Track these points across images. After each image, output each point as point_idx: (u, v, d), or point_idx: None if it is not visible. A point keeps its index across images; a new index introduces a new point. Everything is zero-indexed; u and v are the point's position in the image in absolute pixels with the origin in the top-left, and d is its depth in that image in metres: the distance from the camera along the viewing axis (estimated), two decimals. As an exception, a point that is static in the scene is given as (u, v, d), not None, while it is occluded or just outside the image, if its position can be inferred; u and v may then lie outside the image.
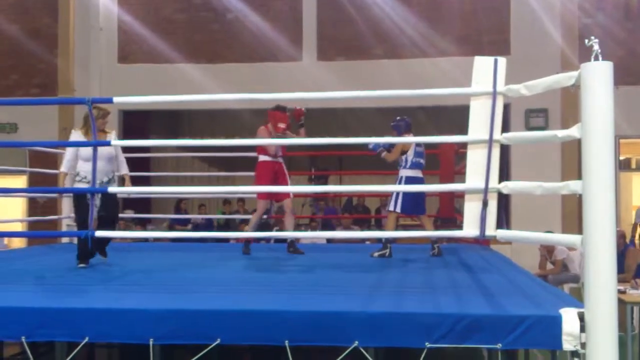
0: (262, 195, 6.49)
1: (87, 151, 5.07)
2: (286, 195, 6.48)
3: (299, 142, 6.48)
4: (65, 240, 8.17)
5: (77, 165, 5.21)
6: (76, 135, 5.27)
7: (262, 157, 6.49)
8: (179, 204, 13.13)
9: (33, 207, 12.37)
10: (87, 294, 3.87)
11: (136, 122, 12.89)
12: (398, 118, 6.54)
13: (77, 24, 12.82)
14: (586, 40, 3.10)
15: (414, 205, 6.42)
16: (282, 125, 6.27)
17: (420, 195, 6.47)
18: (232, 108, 12.29)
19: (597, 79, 3.02)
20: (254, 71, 12.15)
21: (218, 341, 3.19)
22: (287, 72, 11.92)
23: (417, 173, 6.39)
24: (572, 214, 10.99)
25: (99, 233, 4.22)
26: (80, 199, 5.14)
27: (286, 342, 3.14)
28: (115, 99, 4.18)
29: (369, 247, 8.07)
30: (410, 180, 6.31)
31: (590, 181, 3.00)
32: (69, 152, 5.25)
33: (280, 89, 4.42)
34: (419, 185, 6.29)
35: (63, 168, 5.23)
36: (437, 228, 9.22)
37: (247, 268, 5.50)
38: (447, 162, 8.24)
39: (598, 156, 2.99)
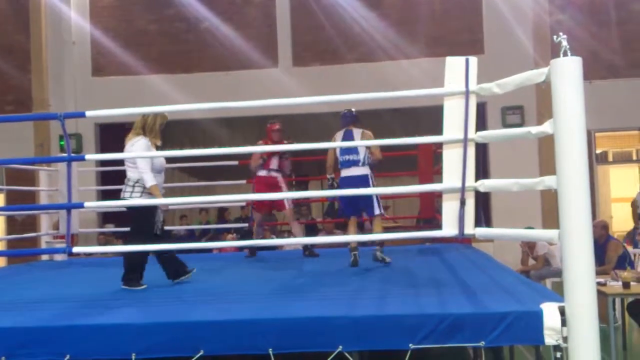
0: (257, 208, 6.93)
1: (159, 162, 4.81)
2: (282, 206, 6.79)
3: (280, 149, 6.50)
4: (45, 257, 8.07)
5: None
6: (146, 143, 4.77)
7: (259, 172, 6.82)
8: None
9: (12, 224, 12.22)
10: (66, 311, 3.82)
11: (113, 136, 12.79)
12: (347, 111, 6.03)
13: (50, 38, 12.71)
14: (554, 37, 3.13)
15: (353, 206, 5.91)
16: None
17: (360, 196, 5.71)
18: (210, 117, 12.25)
19: (567, 74, 3.06)
20: (230, 80, 12.12)
21: (201, 352, 3.17)
22: (263, 80, 11.90)
23: (351, 171, 5.82)
24: (552, 210, 11.04)
25: (77, 249, 4.16)
26: (150, 213, 4.76)
27: (270, 350, 3.14)
28: (88, 113, 4.14)
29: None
30: (344, 181, 5.83)
31: (564, 175, 3.03)
32: (146, 163, 4.69)
33: (257, 96, 4.41)
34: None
35: (152, 181, 4.67)
36: (418, 229, 9.26)
37: (228, 278, 5.48)
38: (425, 163, 8.29)
39: (571, 150, 3.03)
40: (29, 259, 8.50)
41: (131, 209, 4.83)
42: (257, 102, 4.15)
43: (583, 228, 3.00)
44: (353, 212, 5.97)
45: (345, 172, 5.84)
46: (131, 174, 4.78)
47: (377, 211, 5.86)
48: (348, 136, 5.84)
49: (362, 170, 5.80)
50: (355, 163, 5.80)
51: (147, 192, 4.73)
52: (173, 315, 3.46)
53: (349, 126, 5.94)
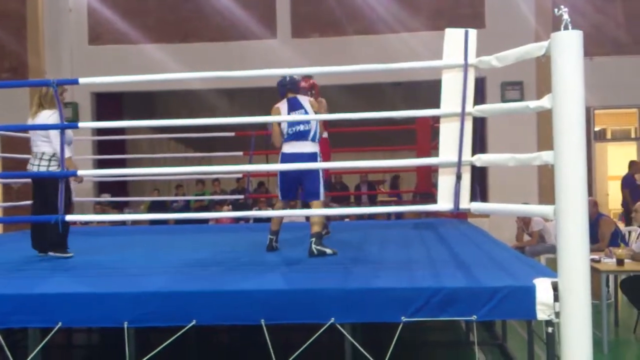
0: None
1: (70, 136, 4.89)
2: None
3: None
4: (40, 225, 8.05)
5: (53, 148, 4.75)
6: (52, 115, 4.76)
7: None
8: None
9: (8, 192, 12.20)
10: (59, 279, 3.82)
11: (109, 105, 12.75)
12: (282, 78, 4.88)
13: (46, 5, 12.55)
14: (555, 10, 3.08)
15: (293, 189, 4.91)
16: None
17: (304, 178, 4.74)
18: (208, 88, 12.18)
19: (567, 48, 3.01)
20: (228, 50, 12.01)
21: (194, 322, 3.17)
22: (262, 50, 11.80)
23: (299, 147, 4.72)
24: (549, 186, 11.02)
25: (70, 217, 4.14)
26: (59, 184, 4.57)
27: (262, 321, 3.14)
28: (82, 80, 4.10)
29: (348, 225, 8.08)
30: (286, 158, 4.73)
31: (561, 151, 3.00)
32: (57, 134, 4.57)
33: (255, 67, 4.33)
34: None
35: (69, 152, 4.66)
36: (415, 203, 9.27)
37: (223, 249, 5.47)
38: (423, 137, 8.26)
39: (568, 126, 2.99)
40: (24, 227, 8.49)
41: (43, 181, 4.84)
42: (254, 71, 4.10)
43: (579, 204, 2.98)
44: (290, 196, 5.02)
45: (292, 148, 4.73)
46: (46, 148, 4.83)
47: (322, 197, 4.81)
48: (294, 103, 4.82)
49: (312, 147, 4.75)
50: (305, 136, 4.72)
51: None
52: (166, 285, 3.45)
53: (289, 94, 4.86)
